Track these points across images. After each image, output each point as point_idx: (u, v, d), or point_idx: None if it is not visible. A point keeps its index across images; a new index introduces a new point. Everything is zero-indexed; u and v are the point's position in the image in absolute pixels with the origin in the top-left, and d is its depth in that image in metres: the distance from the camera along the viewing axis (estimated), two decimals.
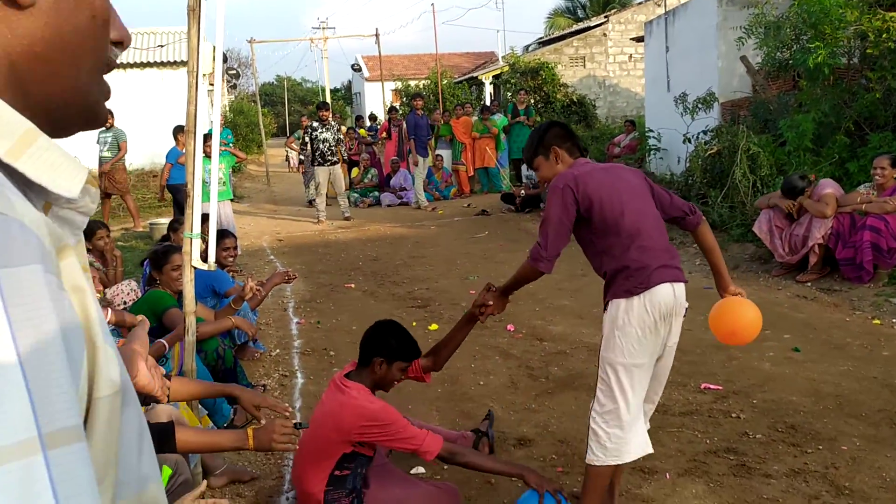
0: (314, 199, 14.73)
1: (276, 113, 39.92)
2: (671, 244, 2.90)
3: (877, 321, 5.47)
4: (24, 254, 0.55)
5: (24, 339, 0.53)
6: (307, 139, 12.28)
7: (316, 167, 12.14)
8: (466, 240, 10.05)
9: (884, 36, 6.57)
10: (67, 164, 0.64)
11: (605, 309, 2.80)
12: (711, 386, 4.36)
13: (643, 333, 2.68)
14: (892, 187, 6.29)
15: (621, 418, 2.70)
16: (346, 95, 50.14)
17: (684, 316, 2.85)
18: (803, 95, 8.47)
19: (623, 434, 2.70)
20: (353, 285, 7.52)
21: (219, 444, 2.71)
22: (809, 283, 6.53)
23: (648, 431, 2.87)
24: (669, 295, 2.72)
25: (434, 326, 5.82)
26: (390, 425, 2.87)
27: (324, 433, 2.94)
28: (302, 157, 12.68)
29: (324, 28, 36.70)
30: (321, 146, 11.92)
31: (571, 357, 5.00)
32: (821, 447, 3.54)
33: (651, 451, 2.83)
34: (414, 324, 5.93)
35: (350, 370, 3.11)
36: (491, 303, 3.17)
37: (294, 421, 2.73)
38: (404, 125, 14.18)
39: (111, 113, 12.65)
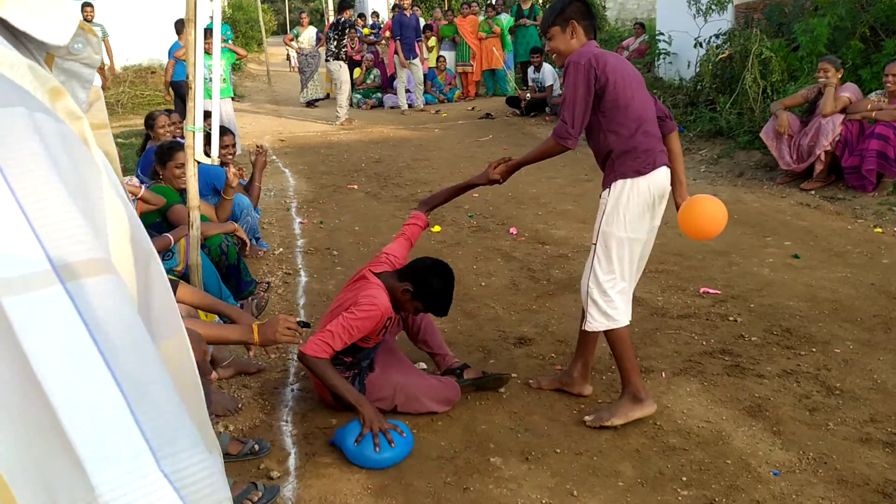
0: (319, 99, 14.50)
1: (276, 10, 38.74)
2: None
3: (878, 229, 5.48)
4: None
5: (14, 177, 0.53)
6: (332, 35, 11.96)
7: (341, 62, 11.92)
8: (470, 143, 9.96)
9: None
10: (55, 9, 0.62)
11: (605, 187, 2.98)
12: (710, 290, 4.41)
13: (642, 210, 2.94)
14: None
15: (616, 286, 2.97)
16: None
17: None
18: None
19: (619, 300, 2.99)
20: (355, 186, 7.50)
21: (225, 338, 2.77)
22: (813, 192, 6.51)
23: (646, 331, 2.95)
24: (666, 178, 3.00)
25: (437, 228, 5.84)
26: (353, 319, 2.88)
27: (335, 317, 3.00)
28: (327, 50, 12.19)
29: None
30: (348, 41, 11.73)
31: (572, 260, 5.04)
32: (814, 350, 3.62)
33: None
34: None
35: (385, 270, 3.14)
36: (500, 167, 3.30)
37: (298, 319, 2.78)
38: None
39: (90, 5, 12.31)
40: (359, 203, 6.85)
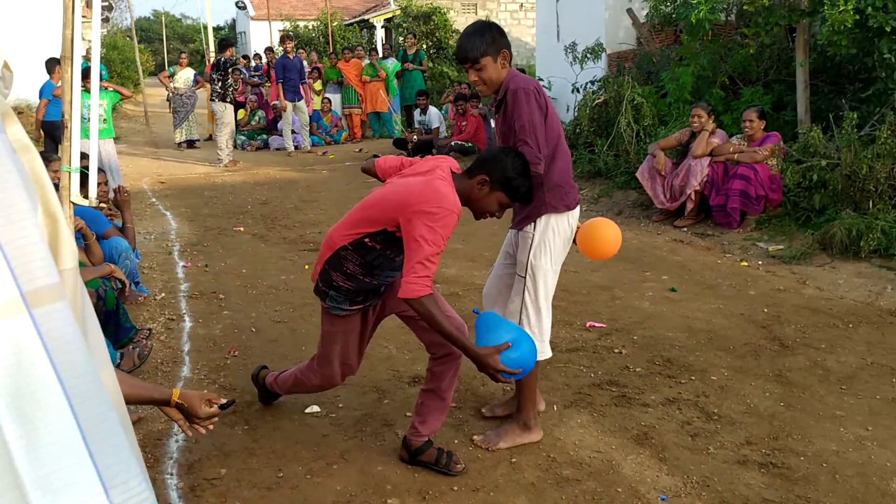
0: (195, 141, 14.15)
1: (153, 50, 37.80)
2: None
3: (744, 263, 5.86)
4: None
5: None
6: (216, 76, 11.70)
7: (227, 104, 11.71)
8: (358, 184, 9.95)
9: None
10: None
11: (529, 221, 3.04)
12: (596, 324, 4.57)
13: (564, 244, 3.10)
14: (760, 138, 6.69)
15: (547, 318, 3.12)
16: (230, 34, 48.02)
17: None
18: (684, 49, 8.79)
19: (548, 327, 3.13)
20: (242, 228, 7.34)
21: (138, 394, 2.47)
22: (686, 229, 6.90)
23: (538, 364, 3.02)
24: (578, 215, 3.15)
25: None
26: (435, 230, 2.51)
27: (382, 206, 2.69)
28: (213, 90, 11.87)
29: None
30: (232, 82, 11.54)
31: (464, 298, 5.11)
32: (693, 378, 3.80)
33: None
34: (307, 267, 5.86)
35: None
36: None
37: (223, 401, 2.50)
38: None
39: None
40: (246, 245, 6.69)
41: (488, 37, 2.92)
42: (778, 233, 6.33)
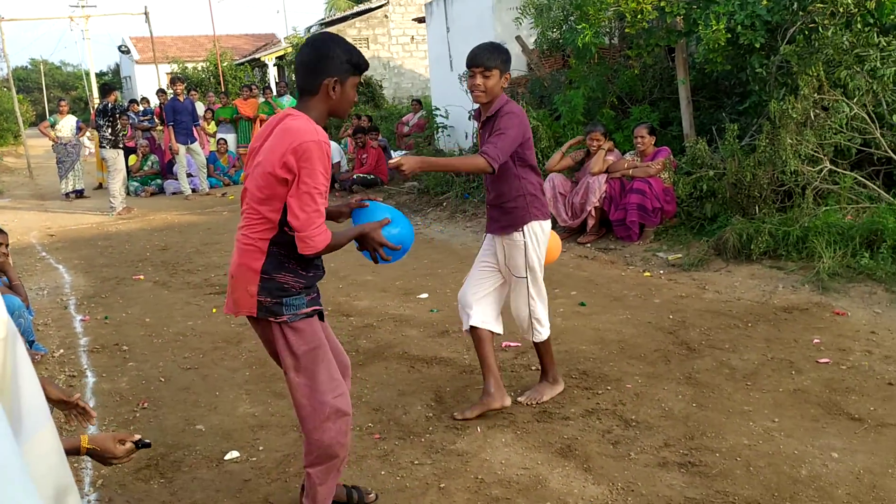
0: (82, 190, 13.62)
1: (32, 100, 36.20)
2: None
3: (647, 273, 6.08)
4: None
5: None
6: (103, 123, 11.25)
7: (118, 150, 11.33)
8: None
9: (639, 17, 7.23)
10: None
11: (515, 228, 3.49)
12: (512, 343, 4.63)
13: (544, 245, 3.59)
14: (652, 153, 6.99)
15: (546, 304, 3.70)
16: (115, 79, 46.59)
17: None
18: (573, 73, 9.12)
19: (547, 312, 3.72)
20: (142, 277, 7.06)
21: None
22: (589, 244, 7.11)
23: (458, 389, 3.03)
24: None
25: None
26: (314, 173, 2.39)
27: (263, 170, 2.45)
28: (102, 137, 11.37)
29: (83, 6, 33.75)
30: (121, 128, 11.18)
31: (378, 329, 5.07)
32: (609, 387, 3.90)
33: None
34: (214, 310, 5.70)
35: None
36: (412, 160, 3.12)
37: (136, 437, 2.37)
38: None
39: None
40: (147, 293, 6.44)
41: (504, 55, 3.38)
42: (676, 242, 6.61)
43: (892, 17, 6.18)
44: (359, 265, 6.93)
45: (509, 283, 3.64)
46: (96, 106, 13.35)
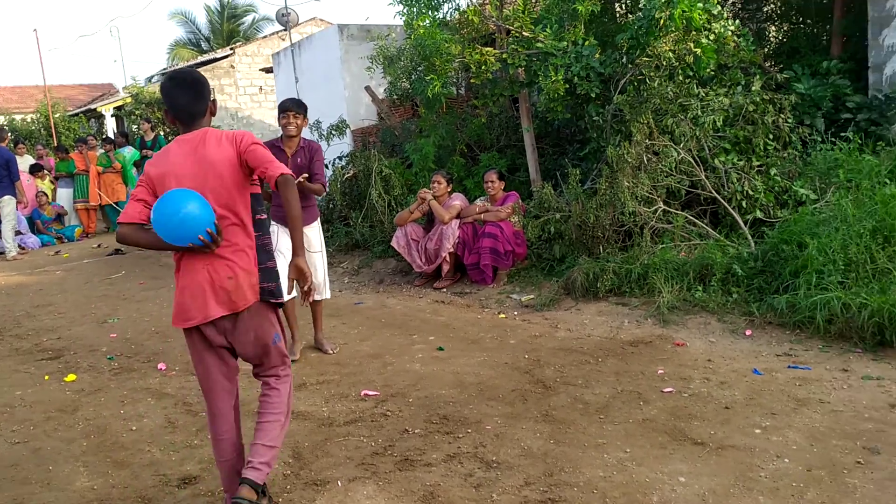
0: None
1: None
2: None
3: (502, 315, 6.21)
4: None
5: None
6: None
7: None
8: (100, 282, 9.19)
9: (483, 68, 7.51)
10: None
11: (309, 223, 5.20)
12: (371, 392, 4.55)
13: None
14: (502, 197, 7.21)
15: None
16: None
17: None
18: (423, 122, 9.31)
19: None
20: None
21: None
22: (445, 289, 7.18)
23: (316, 444, 2.94)
24: None
25: (71, 377, 5.22)
26: (258, 141, 2.96)
27: (224, 174, 2.89)
28: None
29: None
30: None
31: None
32: (470, 430, 3.90)
33: None
34: (47, 377, 5.25)
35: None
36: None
37: None
38: None
39: None
40: None
41: (305, 107, 5.27)
42: (528, 283, 6.81)
43: (708, 70, 6.76)
44: None
45: (310, 261, 4.91)
46: None
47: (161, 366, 5.39)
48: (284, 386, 3.11)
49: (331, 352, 5.46)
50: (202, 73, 14.76)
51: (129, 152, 14.06)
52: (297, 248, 2.90)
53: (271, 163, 2.85)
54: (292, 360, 4.48)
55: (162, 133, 15.53)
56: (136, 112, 17.61)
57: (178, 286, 2.94)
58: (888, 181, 5.63)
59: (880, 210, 5.11)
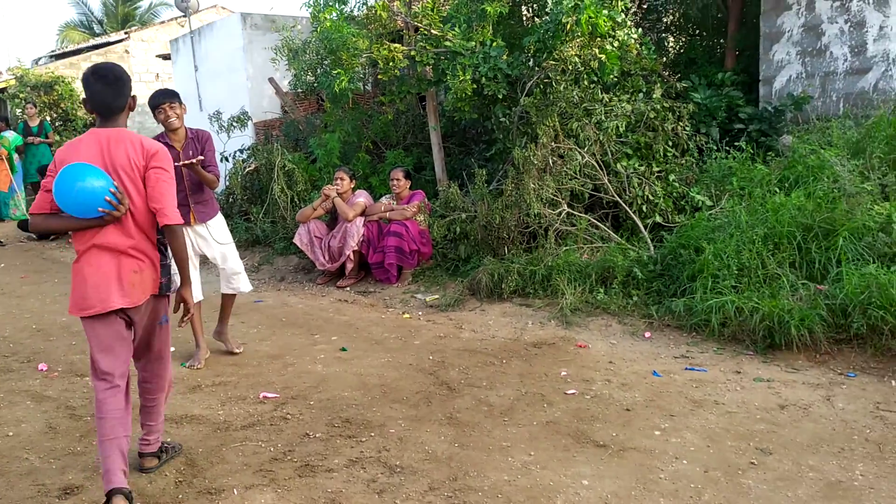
0: None
1: None
2: None
3: (406, 315, 6.14)
4: None
5: None
6: None
7: None
8: None
9: (391, 64, 7.41)
10: None
11: (211, 217, 5.04)
12: (270, 395, 4.39)
13: None
14: (408, 196, 7.14)
15: None
16: None
17: None
18: (328, 117, 9.13)
19: None
20: None
21: None
22: (348, 288, 7.05)
23: (211, 449, 2.80)
24: None
25: None
26: (169, 163, 3.09)
27: (121, 177, 2.99)
28: None
29: None
30: None
31: None
32: (373, 434, 3.81)
33: None
34: None
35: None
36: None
37: None
38: None
39: None
40: None
41: (177, 94, 4.90)
42: (433, 283, 6.76)
43: (611, 76, 6.91)
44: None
45: (218, 254, 5.09)
46: None
47: (42, 366, 5.04)
48: (166, 371, 3.42)
49: (236, 350, 5.23)
50: (94, 56, 14.06)
51: (11, 136, 13.16)
52: (185, 280, 3.16)
53: (164, 206, 3.01)
54: (196, 368, 4.94)
55: (48, 119, 14.66)
56: (21, 95, 16.51)
57: (78, 276, 3.00)
58: (777, 190, 5.89)
59: (771, 218, 5.33)
